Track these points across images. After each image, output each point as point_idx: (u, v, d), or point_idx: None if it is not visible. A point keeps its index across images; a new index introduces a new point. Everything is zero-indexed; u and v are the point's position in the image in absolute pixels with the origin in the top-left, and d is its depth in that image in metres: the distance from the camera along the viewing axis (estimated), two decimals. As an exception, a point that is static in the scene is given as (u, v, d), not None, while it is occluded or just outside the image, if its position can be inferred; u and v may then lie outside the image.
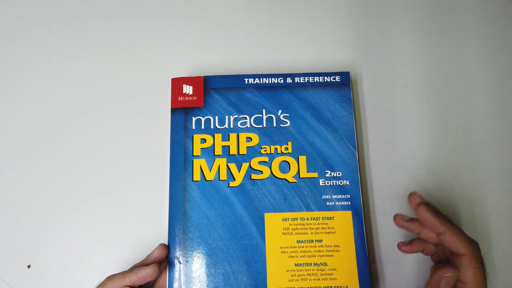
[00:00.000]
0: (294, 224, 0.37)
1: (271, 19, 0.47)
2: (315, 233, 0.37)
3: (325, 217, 0.38)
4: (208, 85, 0.41)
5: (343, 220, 0.37)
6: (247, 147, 0.40)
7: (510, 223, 0.40)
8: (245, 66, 0.45)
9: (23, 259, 0.39)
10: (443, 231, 0.31)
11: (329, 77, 0.42)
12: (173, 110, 0.41)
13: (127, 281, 0.32)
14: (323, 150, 0.39)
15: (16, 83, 0.44)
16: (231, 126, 0.40)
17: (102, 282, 0.33)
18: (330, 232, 0.37)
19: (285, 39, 0.46)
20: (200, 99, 0.41)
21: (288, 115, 0.40)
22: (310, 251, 0.37)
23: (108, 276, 0.33)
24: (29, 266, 0.39)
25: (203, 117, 0.40)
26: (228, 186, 0.38)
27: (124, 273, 0.33)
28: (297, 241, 0.37)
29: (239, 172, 0.39)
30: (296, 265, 0.36)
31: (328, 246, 0.37)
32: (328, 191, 0.38)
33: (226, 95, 0.41)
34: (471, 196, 0.41)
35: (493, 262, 0.39)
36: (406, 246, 0.35)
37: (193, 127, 0.40)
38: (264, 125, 0.40)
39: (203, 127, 0.40)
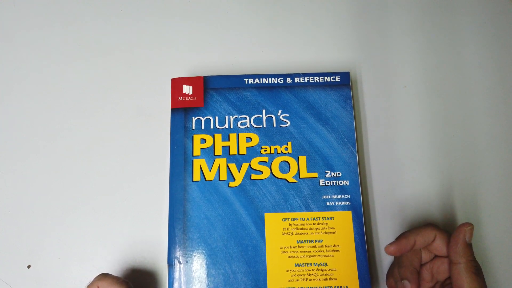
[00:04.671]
0: (294, 224, 0.37)
1: (271, 19, 0.47)
2: (315, 233, 0.37)
3: (325, 217, 0.38)
4: (208, 85, 0.41)
5: (343, 220, 0.37)
6: (247, 147, 0.39)
7: (510, 223, 0.40)
8: (245, 66, 0.45)
9: (23, 259, 0.39)
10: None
11: (329, 77, 0.42)
12: (173, 110, 0.41)
13: None
14: (323, 150, 0.39)
15: (16, 83, 0.44)
16: (231, 126, 0.40)
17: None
18: (330, 232, 0.37)
19: (285, 39, 0.46)
20: (200, 99, 0.41)
21: (288, 115, 0.40)
22: (310, 251, 0.37)
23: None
24: (29, 266, 0.39)
25: (203, 117, 0.40)
26: (228, 186, 0.38)
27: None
28: (297, 241, 0.37)
29: (239, 172, 0.39)
30: (296, 265, 0.36)
31: (328, 246, 0.37)
32: (328, 191, 0.38)
33: (226, 95, 0.41)
34: (471, 196, 0.41)
35: (493, 262, 0.39)
36: (393, 245, 0.33)
37: (193, 127, 0.40)
38: (264, 125, 0.40)
39: (203, 127, 0.40)
